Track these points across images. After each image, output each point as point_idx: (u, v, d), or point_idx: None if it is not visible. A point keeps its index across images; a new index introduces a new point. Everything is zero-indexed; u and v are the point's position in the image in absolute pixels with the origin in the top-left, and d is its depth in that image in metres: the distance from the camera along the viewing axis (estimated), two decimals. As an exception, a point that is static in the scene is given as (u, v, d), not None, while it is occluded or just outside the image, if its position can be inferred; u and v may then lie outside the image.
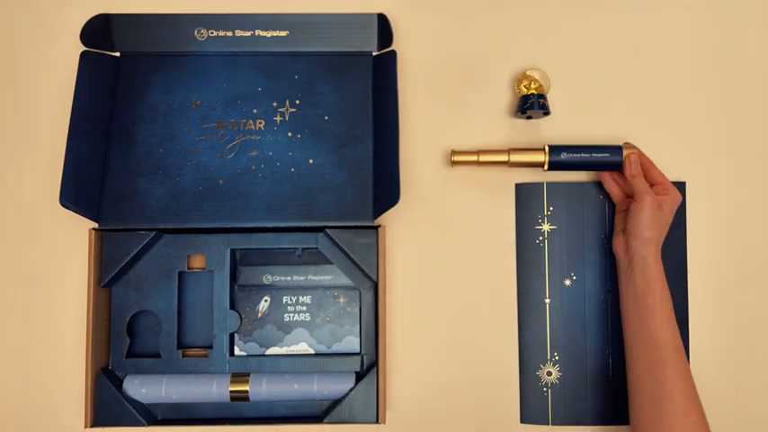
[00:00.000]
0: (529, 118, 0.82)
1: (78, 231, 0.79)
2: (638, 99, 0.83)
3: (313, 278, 0.78)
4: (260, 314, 0.78)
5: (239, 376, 0.75)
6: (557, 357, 0.79)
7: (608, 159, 0.77)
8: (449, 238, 0.81)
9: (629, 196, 0.77)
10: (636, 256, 0.74)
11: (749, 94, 0.84)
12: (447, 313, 0.80)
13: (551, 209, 0.81)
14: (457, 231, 0.81)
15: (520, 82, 0.81)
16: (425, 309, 0.80)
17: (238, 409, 0.78)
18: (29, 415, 0.79)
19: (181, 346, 0.77)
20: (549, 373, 0.79)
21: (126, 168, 0.78)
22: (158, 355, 0.76)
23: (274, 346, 0.78)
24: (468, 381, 0.80)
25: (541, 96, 0.79)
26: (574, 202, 0.81)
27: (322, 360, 0.76)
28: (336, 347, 0.78)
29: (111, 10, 0.82)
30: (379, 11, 0.82)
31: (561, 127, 0.82)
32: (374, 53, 0.82)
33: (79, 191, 0.75)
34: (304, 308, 0.79)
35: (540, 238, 0.80)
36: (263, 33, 0.82)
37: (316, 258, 0.79)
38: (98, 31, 0.81)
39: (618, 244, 0.77)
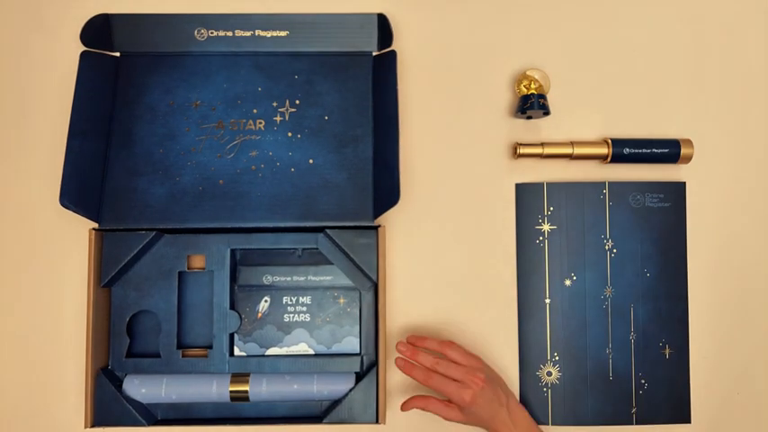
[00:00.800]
0: (529, 118, 0.82)
1: (78, 231, 0.79)
2: (638, 99, 0.83)
3: (313, 278, 0.78)
4: (260, 314, 0.78)
5: (239, 376, 0.75)
6: (557, 357, 0.79)
7: (666, 154, 0.79)
8: (449, 238, 0.81)
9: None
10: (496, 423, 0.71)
11: (750, 93, 0.84)
12: (447, 313, 0.80)
13: (551, 209, 0.81)
14: (457, 231, 0.81)
15: (520, 82, 0.81)
16: (425, 309, 0.80)
17: (238, 409, 0.78)
18: (29, 414, 0.79)
19: (181, 346, 0.77)
20: (549, 374, 0.79)
21: (126, 168, 0.78)
22: (158, 355, 0.76)
23: (274, 346, 0.78)
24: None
25: (541, 96, 0.79)
26: (574, 203, 0.80)
27: (322, 360, 0.76)
28: (336, 348, 0.78)
29: (111, 10, 0.82)
30: (379, 11, 0.82)
31: (561, 127, 0.82)
32: (374, 53, 0.82)
33: (79, 191, 0.75)
34: (304, 308, 0.78)
35: (541, 238, 0.80)
36: (263, 33, 0.82)
37: (316, 259, 0.79)
38: (98, 31, 0.81)
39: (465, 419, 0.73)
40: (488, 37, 0.84)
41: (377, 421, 0.75)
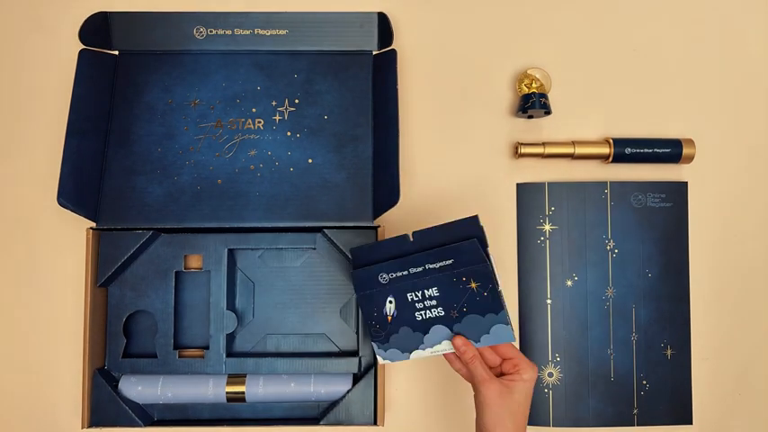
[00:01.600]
0: (530, 117, 0.82)
1: (76, 230, 0.78)
2: (640, 98, 0.83)
3: (432, 266, 0.67)
4: (390, 318, 0.69)
5: (236, 377, 0.75)
6: (558, 358, 0.78)
7: (668, 154, 0.78)
8: (449, 238, 0.80)
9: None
10: None
11: (752, 93, 0.83)
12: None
13: (553, 209, 0.80)
14: (457, 232, 0.80)
15: (521, 81, 0.80)
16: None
17: (235, 410, 0.77)
18: (26, 414, 0.78)
19: (177, 346, 0.76)
20: (551, 375, 0.78)
21: (124, 167, 0.77)
22: (155, 356, 0.75)
23: (416, 349, 0.69)
24: (467, 382, 0.79)
25: (542, 96, 0.79)
26: (575, 203, 0.80)
27: (319, 361, 0.75)
28: (485, 339, 0.67)
29: (109, 8, 0.82)
30: (379, 9, 0.82)
31: (562, 126, 0.82)
32: (374, 52, 0.82)
33: (77, 190, 0.75)
34: (433, 302, 0.68)
35: (542, 238, 0.80)
36: (262, 32, 0.82)
37: (432, 238, 0.68)
38: (97, 29, 0.81)
39: None
40: (489, 36, 0.84)
41: (375, 423, 0.74)
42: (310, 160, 0.78)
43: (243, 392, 0.74)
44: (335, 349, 0.78)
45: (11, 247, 0.80)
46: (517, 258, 0.80)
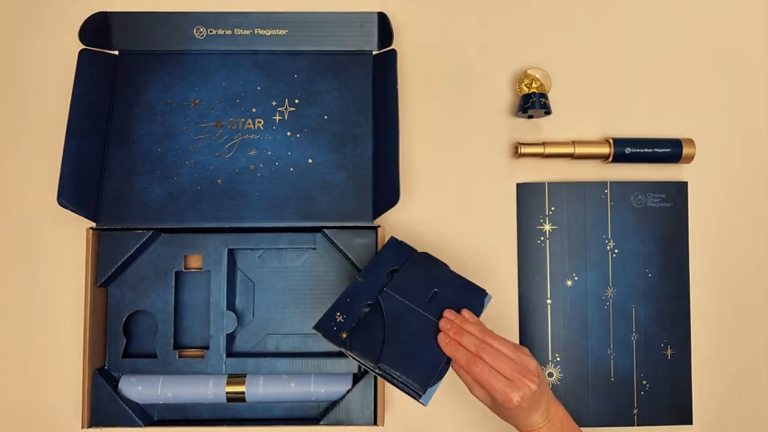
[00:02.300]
0: (530, 117, 0.82)
1: (76, 230, 0.78)
2: (640, 98, 0.83)
3: None
4: None
5: (236, 377, 0.75)
6: (558, 358, 0.78)
7: (668, 153, 0.78)
8: (449, 238, 0.80)
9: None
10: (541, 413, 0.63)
11: (752, 92, 0.83)
12: (447, 314, 0.79)
13: (552, 209, 0.80)
14: (457, 232, 0.80)
15: (521, 81, 0.80)
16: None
17: (235, 410, 0.77)
18: (26, 414, 0.78)
19: (177, 346, 0.76)
20: (551, 374, 0.78)
21: (124, 167, 0.77)
22: (155, 356, 0.75)
23: None
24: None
25: (542, 96, 0.79)
26: (575, 202, 0.80)
27: (319, 361, 0.75)
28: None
29: (109, 8, 0.81)
30: (379, 9, 0.82)
31: (563, 126, 0.82)
32: (374, 52, 0.82)
33: (77, 190, 0.75)
34: None
35: (542, 238, 0.80)
36: (262, 32, 0.81)
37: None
38: (96, 29, 0.80)
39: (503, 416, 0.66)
40: (489, 36, 0.84)
41: (375, 423, 0.74)
42: (310, 160, 0.78)
43: (243, 392, 0.74)
44: (335, 349, 0.78)
45: (11, 247, 0.80)
46: (517, 258, 0.80)
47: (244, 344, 0.78)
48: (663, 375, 0.78)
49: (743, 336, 0.80)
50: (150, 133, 0.79)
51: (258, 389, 0.74)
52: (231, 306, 0.77)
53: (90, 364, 0.73)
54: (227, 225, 0.76)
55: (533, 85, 0.80)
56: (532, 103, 0.78)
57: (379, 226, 0.76)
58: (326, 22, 0.81)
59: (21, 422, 0.78)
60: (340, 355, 0.77)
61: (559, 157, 0.80)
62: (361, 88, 0.81)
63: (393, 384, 0.64)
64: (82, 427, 0.73)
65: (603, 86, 0.83)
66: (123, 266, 0.75)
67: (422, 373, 0.64)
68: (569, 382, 0.78)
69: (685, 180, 0.81)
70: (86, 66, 0.79)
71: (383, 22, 0.81)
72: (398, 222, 0.80)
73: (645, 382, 0.78)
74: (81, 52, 0.79)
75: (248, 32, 0.82)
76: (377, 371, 0.64)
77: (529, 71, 0.81)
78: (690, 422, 0.78)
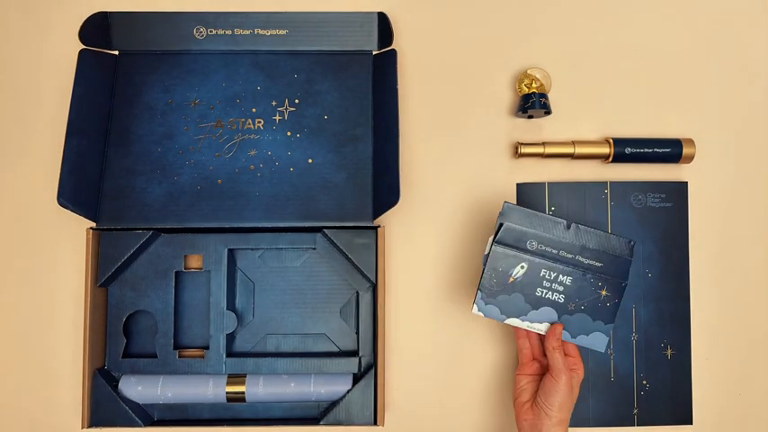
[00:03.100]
0: (530, 117, 0.82)
1: (76, 230, 0.78)
2: (640, 98, 0.83)
3: (582, 260, 0.71)
4: (511, 279, 0.71)
5: (236, 377, 0.75)
6: (558, 359, 0.78)
7: (668, 153, 0.79)
8: (449, 238, 0.80)
9: (536, 359, 0.73)
10: None
11: (752, 92, 0.83)
12: (446, 314, 0.79)
13: (553, 209, 0.80)
14: (457, 232, 0.80)
15: (521, 81, 0.80)
16: (424, 309, 0.79)
17: (235, 410, 0.77)
18: (26, 415, 0.78)
19: (177, 346, 0.76)
20: (550, 375, 0.78)
21: (124, 167, 0.77)
22: (155, 356, 0.75)
23: (515, 317, 0.71)
24: (467, 382, 0.79)
25: (543, 95, 0.79)
26: (575, 202, 0.80)
27: (319, 361, 0.75)
28: (581, 340, 0.71)
29: (109, 8, 0.81)
30: (379, 9, 0.82)
31: (563, 126, 0.82)
32: (374, 52, 0.82)
33: (77, 190, 0.75)
34: (561, 288, 0.71)
35: (541, 238, 0.80)
36: (262, 32, 0.81)
37: (590, 238, 0.71)
38: (96, 29, 0.80)
39: (526, 417, 0.70)
40: (489, 36, 0.84)
41: (375, 423, 0.74)
42: (310, 160, 0.78)
43: (243, 392, 0.74)
44: (335, 349, 0.78)
45: (11, 246, 0.80)
46: (517, 258, 0.80)
47: (244, 344, 0.78)
48: (663, 375, 0.78)
49: (743, 336, 0.80)
50: (150, 133, 0.79)
51: (258, 389, 0.74)
52: (231, 306, 0.77)
53: (90, 364, 0.73)
54: (227, 225, 0.76)
55: (533, 85, 0.80)
56: (532, 103, 0.78)
57: (379, 226, 0.76)
58: (326, 22, 0.81)
59: (21, 422, 0.78)
60: (340, 354, 0.77)
61: (559, 157, 0.80)
62: (361, 88, 0.81)
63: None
64: (82, 427, 0.73)
65: (603, 86, 0.83)
66: (123, 266, 0.76)
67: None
68: (569, 383, 0.78)
69: (685, 180, 0.81)
70: (86, 66, 0.79)
71: (383, 22, 0.81)
72: (398, 222, 0.80)
73: (645, 382, 0.78)
74: (81, 52, 0.79)
75: (248, 32, 0.82)
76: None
77: (529, 71, 0.81)
78: (690, 422, 0.78)
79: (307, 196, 0.77)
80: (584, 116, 0.82)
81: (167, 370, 0.75)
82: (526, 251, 0.71)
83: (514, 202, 0.80)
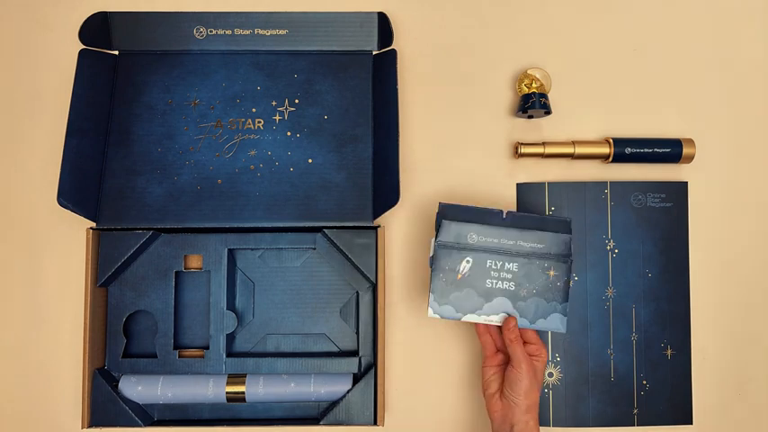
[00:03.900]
0: (530, 117, 0.82)
1: (76, 230, 0.78)
2: (640, 98, 0.83)
3: (523, 244, 0.71)
4: (459, 276, 0.71)
5: (236, 377, 0.75)
6: (558, 358, 0.78)
7: (668, 153, 0.79)
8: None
9: (500, 350, 0.74)
10: (518, 423, 0.69)
11: (752, 92, 0.83)
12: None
13: (553, 209, 0.80)
14: (457, 232, 0.80)
15: (521, 81, 0.80)
16: (424, 310, 0.79)
17: (235, 410, 0.77)
18: (26, 415, 0.78)
19: (177, 346, 0.76)
20: (551, 375, 0.78)
21: (124, 167, 0.77)
22: (155, 356, 0.75)
23: (471, 312, 0.71)
24: (467, 382, 0.79)
25: (543, 95, 0.79)
26: (575, 203, 0.80)
27: (319, 361, 0.75)
28: (540, 324, 0.71)
29: (110, 8, 0.82)
30: (379, 9, 0.82)
31: (563, 126, 0.82)
32: (374, 52, 0.82)
33: (77, 190, 0.75)
34: (509, 275, 0.71)
35: (541, 238, 0.80)
36: (262, 32, 0.81)
37: (526, 222, 0.72)
38: (97, 29, 0.80)
39: (495, 409, 0.71)
40: (489, 36, 0.84)
41: (375, 423, 0.74)
42: (310, 160, 0.78)
43: (243, 392, 0.74)
44: (335, 349, 0.78)
45: (11, 247, 0.80)
46: (517, 258, 0.80)
47: (244, 344, 0.78)
48: (663, 375, 0.78)
49: (743, 335, 0.80)
50: (150, 133, 0.79)
51: (258, 389, 0.74)
52: (231, 306, 0.77)
53: (90, 364, 0.73)
54: (227, 225, 0.76)
55: (533, 85, 0.80)
56: (532, 103, 0.78)
57: (379, 226, 0.76)
58: (326, 22, 0.81)
59: (21, 422, 0.78)
60: (340, 354, 0.77)
61: (559, 157, 0.80)
62: (361, 88, 0.81)
63: None
64: (82, 427, 0.73)
65: (603, 86, 0.83)
66: (123, 266, 0.76)
67: None
68: (569, 382, 0.78)
69: (685, 180, 0.81)
70: (86, 66, 0.79)
71: (383, 22, 0.81)
72: (398, 222, 0.80)
73: (645, 382, 0.78)
74: (81, 52, 0.79)
75: (248, 32, 0.82)
76: None
77: (529, 71, 0.81)
78: (690, 422, 0.78)
79: (307, 196, 0.77)
80: (585, 116, 0.82)
81: (167, 370, 0.75)
82: (468, 245, 0.71)
83: (515, 203, 0.80)
